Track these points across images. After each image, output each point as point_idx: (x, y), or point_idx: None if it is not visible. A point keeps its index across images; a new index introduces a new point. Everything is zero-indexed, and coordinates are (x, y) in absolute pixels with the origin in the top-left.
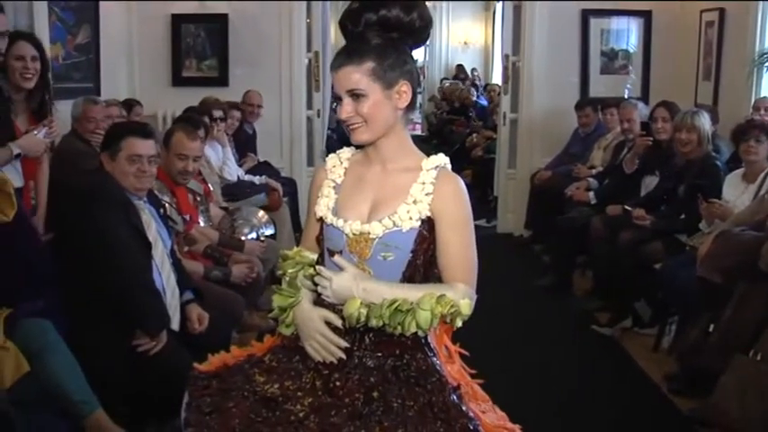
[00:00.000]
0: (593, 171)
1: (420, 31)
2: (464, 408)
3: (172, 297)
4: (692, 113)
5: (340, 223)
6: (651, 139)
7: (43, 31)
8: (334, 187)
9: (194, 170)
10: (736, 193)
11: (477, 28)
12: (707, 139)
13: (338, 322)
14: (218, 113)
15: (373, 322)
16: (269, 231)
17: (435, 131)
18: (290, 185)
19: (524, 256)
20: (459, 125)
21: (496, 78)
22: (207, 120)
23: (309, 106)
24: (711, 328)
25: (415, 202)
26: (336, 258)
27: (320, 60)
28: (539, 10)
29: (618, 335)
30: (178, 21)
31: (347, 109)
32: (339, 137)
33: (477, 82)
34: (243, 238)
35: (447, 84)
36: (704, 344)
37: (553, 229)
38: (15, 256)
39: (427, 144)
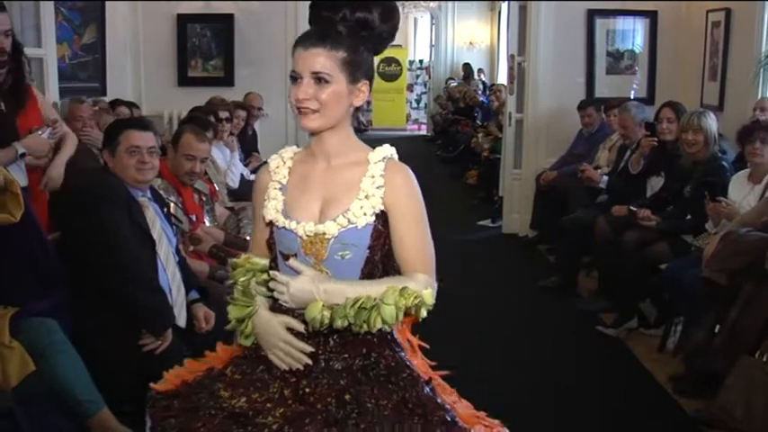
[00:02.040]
0: (599, 171)
1: (384, 41)
2: (439, 400)
3: (177, 294)
4: (699, 114)
5: (293, 225)
6: (656, 140)
7: (49, 31)
8: (280, 188)
9: (201, 171)
10: (741, 194)
11: (483, 28)
12: (713, 140)
13: (300, 327)
14: (223, 114)
15: (338, 323)
16: None
17: (441, 131)
18: None
19: (529, 257)
20: (464, 125)
21: (502, 78)
22: (213, 120)
23: None
24: (717, 329)
25: (367, 197)
26: (291, 262)
27: None
28: (544, 10)
29: (623, 335)
30: (184, 21)
31: (308, 91)
32: None
33: (484, 80)
34: (248, 237)
35: (452, 84)
36: (710, 345)
37: (558, 229)
38: (22, 256)
39: (432, 144)
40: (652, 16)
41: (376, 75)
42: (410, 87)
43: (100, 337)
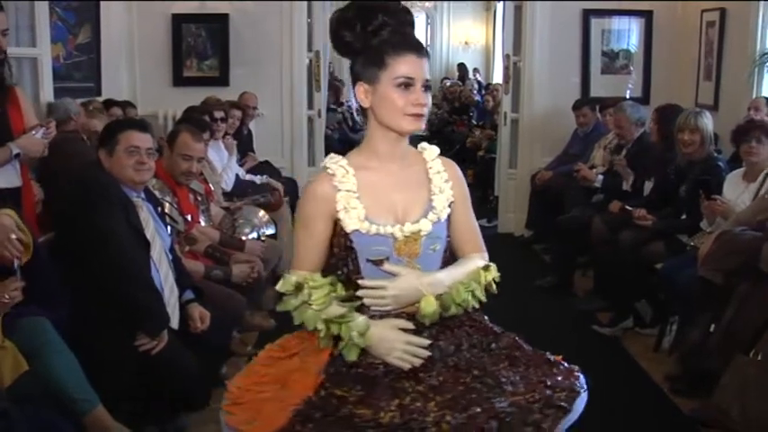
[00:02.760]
0: (595, 171)
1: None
2: (527, 347)
3: (170, 295)
4: (695, 114)
5: (388, 229)
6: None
7: (44, 31)
8: (357, 197)
9: (198, 171)
10: (736, 193)
11: (478, 28)
12: (710, 140)
13: (411, 325)
14: (219, 114)
15: (453, 310)
16: (270, 231)
17: (436, 131)
18: (291, 185)
19: (525, 256)
20: (459, 125)
21: (497, 78)
22: (208, 120)
23: (310, 106)
24: (712, 328)
25: (441, 190)
26: (388, 266)
27: (321, 60)
28: (540, 10)
29: (619, 335)
30: (179, 20)
31: (427, 96)
32: (340, 137)
33: (479, 79)
34: (244, 237)
35: (448, 83)
36: (705, 344)
37: (554, 229)
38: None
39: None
40: (647, 16)
41: None
42: None
43: (96, 336)
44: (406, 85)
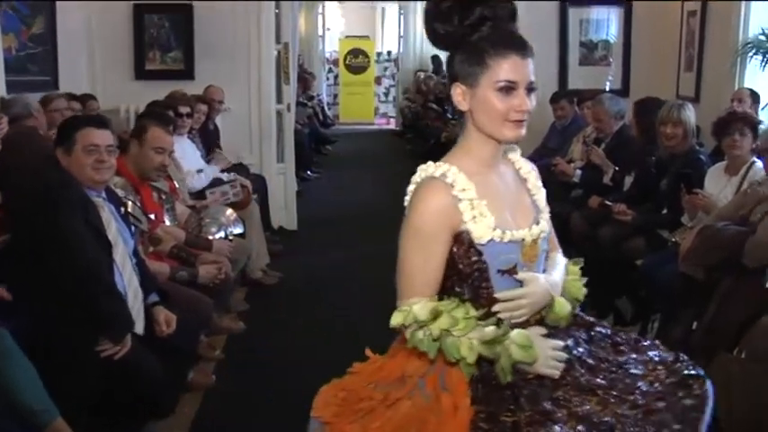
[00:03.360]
0: (573, 165)
1: None
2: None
3: (134, 299)
4: (678, 107)
5: (520, 234)
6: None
7: None
8: (486, 205)
9: (168, 165)
10: (718, 187)
11: None
12: (692, 133)
13: (544, 330)
14: (184, 109)
15: (575, 309)
16: (238, 230)
17: (410, 126)
18: (260, 182)
19: None
20: (434, 119)
21: None
22: (172, 115)
23: (279, 100)
24: (695, 325)
25: (538, 189)
26: (522, 275)
27: (290, 52)
28: None
29: None
30: (140, 11)
31: (531, 102)
32: (310, 131)
33: None
34: (210, 237)
35: (422, 76)
36: (688, 342)
37: None
38: None
39: (401, 138)
40: (627, 5)
41: (342, 67)
42: (378, 80)
43: (56, 341)
44: (509, 89)
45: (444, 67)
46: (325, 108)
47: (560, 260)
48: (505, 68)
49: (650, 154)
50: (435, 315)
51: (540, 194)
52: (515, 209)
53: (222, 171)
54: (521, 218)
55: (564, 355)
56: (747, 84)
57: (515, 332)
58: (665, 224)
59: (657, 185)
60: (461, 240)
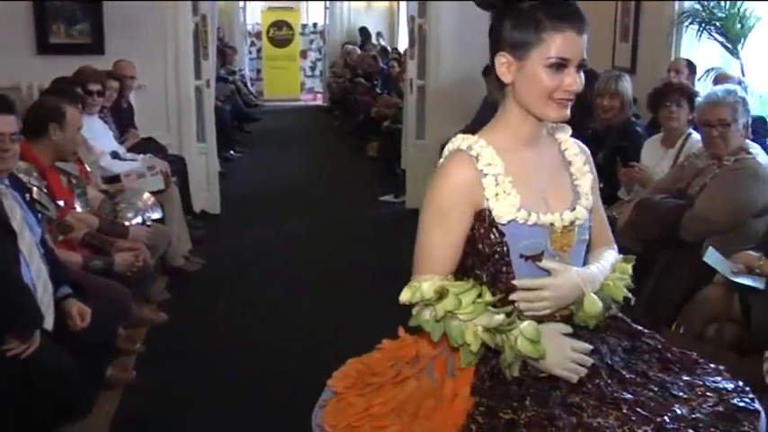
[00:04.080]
0: None
1: None
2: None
3: (44, 292)
4: (615, 78)
5: (548, 218)
6: None
7: None
8: (510, 182)
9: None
10: (654, 159)
11: None
12: (629, 105)
13: (569, 329)
14: (95, 87)
15: (614, 310)
16: (156, 215)
17: (338, 101)
18: (179, 164)
19: None
20: (363, 94)
21: (402, 43)
22: (81, 92)
23: (198, 76)
24: (633, 301)
25: (582, 174)
26: (548, 263)
27: (208, 25)
28: None
29: None
30: None
31: (581, 80)
32: (232, 109)
33: (383, 44)
34: (127, 223)
35: (349, 49)
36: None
37: None
38: None
39: (329, 115)
40: None
41: (265, 40)
42: (303, 54)
43: None
44: (560, 65)
45: (490, 32)
46: (248, 84)
47: (609, 256)
48: (560, 44)
49: (586, 127)
50: (441, 295)
51: (585, 180)
52: (552, 192)
53: (132, 150)
54: (556, 202)
55: (589, 360)
56: (684, 54)
57: (526, 324)
58: (603, 199)
59: (594, 158)
60: (483, 218)
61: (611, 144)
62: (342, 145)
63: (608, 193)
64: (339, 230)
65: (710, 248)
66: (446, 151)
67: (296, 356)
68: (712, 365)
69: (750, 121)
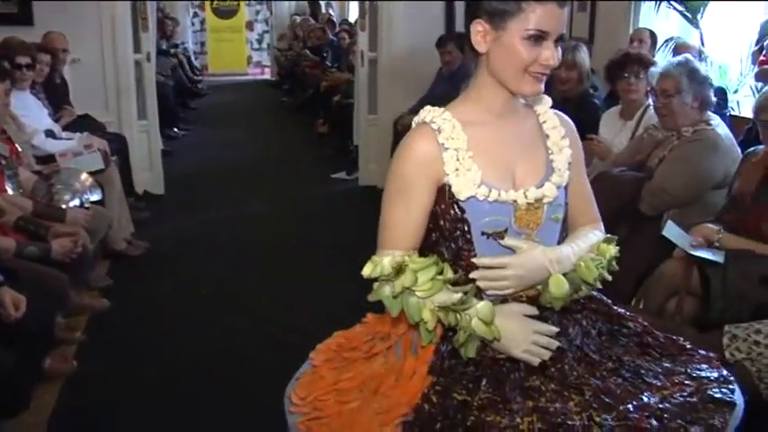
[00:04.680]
0: None
1: None
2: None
3: None
4: (573, 48)
5: (510, 195)
6: None
7: None
8: (471, 157)
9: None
10: (613, 132)
11: None
12: (587, 76)
13: (535, 311)
14: (24, 60)
15: (584, 292)
16: (95, 197)
17: (286, 75)
18: (119, 142)
19: None
20: (312, 67)
21: (353, 14)
22: (8, 66)
23: (137, 49)
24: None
25: (559, 149)
26: (510, 241)
27: None
28: None
29: None
30: None
31: (559, 54)
32: (175, 84)
33: (332, 15)
34: (63, 206)
35: (298, 20)
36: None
37: None
38: None
39: (278, 89)
40: None
41: (209, 11)
42: (250, 25)
43: None
44: (538, 38)
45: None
46: (192, 57)
47: (590, 236)
48: (540, 15)
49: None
50: (399, 271)
51: (561, 155)
52: (523, 167)
53: (67, 129)
54: (525, 177)
55: (554, 343)
56: (642, 24)
57: (482, 304)
58: None
59: None
60: (443, 194)
61: (568, 117)
62: (291, 121)
63: None
64: (289, 209)
65: (670, 222)
66: (413, 123)
67: (242, 332)
68: (701, 353)
69: (708, 93)
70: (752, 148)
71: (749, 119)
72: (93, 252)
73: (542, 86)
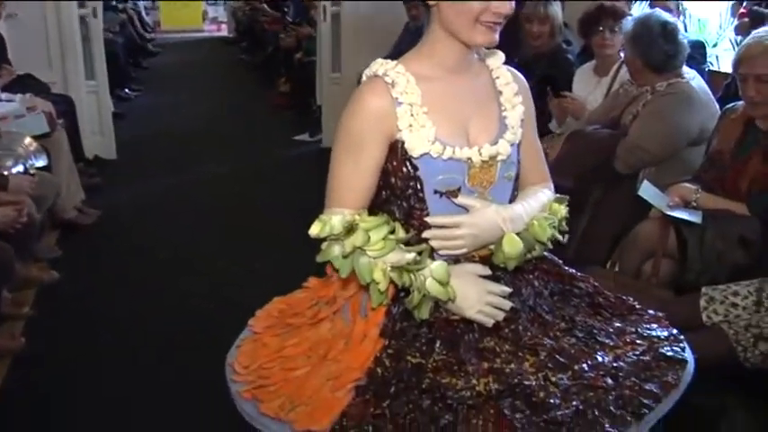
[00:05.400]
0: None
1: None
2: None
3: None
4: (545, 2)
5: (465, 152)
6: None
7: None
8: (426, 112)
9: None
10: (587, 89)
11: None
12: (559, 30)
13: (487, 271)
14: None
15: (537, 251)
16: (40, 162)
17: (244, 32)
18: (66, 103)
19: None
20: (271, 23)
21: None
22: None
23: (82, 4)
24: (565, 238)
25: (512, 106)
26: (463, 199)
27: None
28: None
29: None
30: None
31: (512, 4)
32: (125, 41)
33: None
34: (5, 172)
35: None
36: (559, 256)
37: None
38: None
39: (236, 47)
40: None
41: None
42: None
43: None
44: None
45: None
46: (143, 13)
47: (540, 195)
48: None
49: (513, 54)
50: (350, 230)
51: (515, 112)
52: (476, 124)
53: (6, 90)
54: (479, 134)
55: (507, 303)
56: None
57: (436, 264)
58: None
59: None
60: (395, 150)
61: (540, 73)
62: (250, 80)
63: (538, 126)
64: (249, 172)
65: (645, 182)
66: (363, 76)
67: (199, 295)
68: (650, 312)
69: (658, 56)
70: (731, 104)
71: (728, 74)
72: (40, 221)
73: (496, 36)
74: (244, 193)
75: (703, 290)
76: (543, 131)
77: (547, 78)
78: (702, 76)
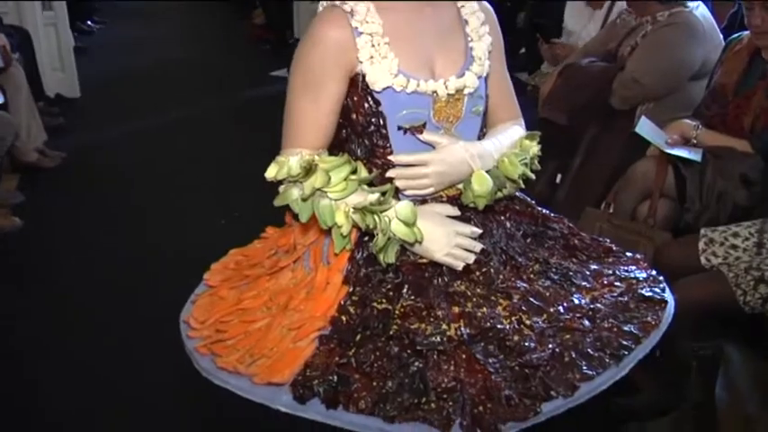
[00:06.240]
0: None
1: None
2: (584, 235)
3: None
4: None
5: (430, 85)
6: None
7: None
8: (387, 43)
9: None
10: (580, 23)
11: None
12: None
13: (456, 211)
14: None
15: (508, 190)
16: None
17: None
18: (21, 36)
19: None
20: None
21: None
22: None
23: None
24: (559, 178)
25: (479, 36)
26: (429, 135)
27: None
28: None
29: None
30: None
31: None
32: None
33: None
34: None
35: None
36: (551, 197)
37: None
38: None
39: None
40: None
41: None
42: None
43: None
44: None
45: None
46: None
47: (511, 131)
48: None
49: None
50: (309, 171)
51: (481, 42)
52: (441, 56)
53: None
54: (444, 67)
55: (477, 245)
56: None
57: (401, 204)
58: (524, 66)
59: (513, 21)
60: (356, 84)
61: (532, 5)
62: (223, 12)
63: (530, 60)
64: (224, 112)
65: (643, 118)
66: (320, 6)
67: (169, 240)
68: (629, 254)
69: None
70: (736, 35)
71: (734, 1)
72: None
73: None
74: (218, 135)
75: (702, 231)
76: (536, 66)
77: (536, 27)
78: (706, 5)
